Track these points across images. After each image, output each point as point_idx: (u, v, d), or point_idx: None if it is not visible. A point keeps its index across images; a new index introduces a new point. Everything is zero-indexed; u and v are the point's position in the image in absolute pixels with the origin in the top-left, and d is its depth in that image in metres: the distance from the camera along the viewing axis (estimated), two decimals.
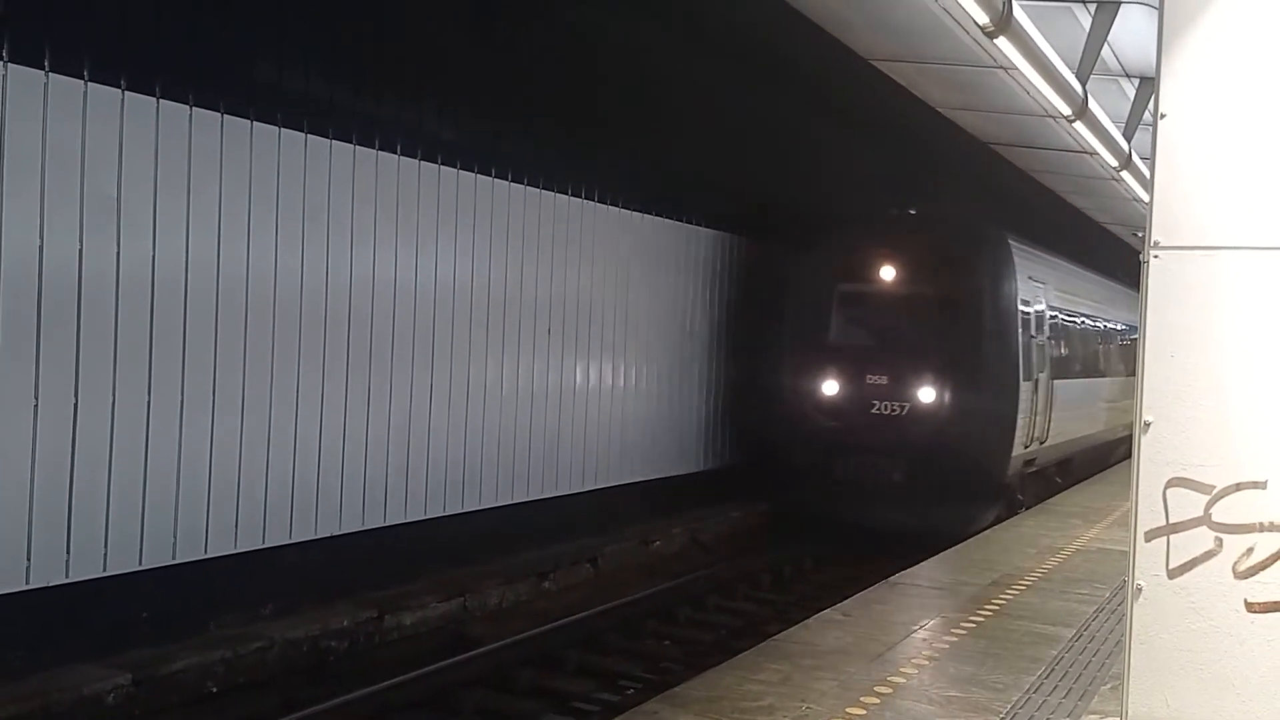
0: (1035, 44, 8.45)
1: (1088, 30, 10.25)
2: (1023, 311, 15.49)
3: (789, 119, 16.69)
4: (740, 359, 16.89)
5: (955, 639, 8.69)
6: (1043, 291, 16.75)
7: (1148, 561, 3.57)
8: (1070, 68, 10.02)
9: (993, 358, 15.10)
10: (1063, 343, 18.28)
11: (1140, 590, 3.57)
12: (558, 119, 13.14)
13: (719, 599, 12.75)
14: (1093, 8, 9.96)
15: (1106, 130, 11.70)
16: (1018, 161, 16.18)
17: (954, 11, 7.66)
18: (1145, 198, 14.80)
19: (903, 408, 14.91)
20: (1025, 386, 15.34)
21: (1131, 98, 12.83)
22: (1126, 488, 16.29)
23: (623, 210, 14.43)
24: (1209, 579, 3.50)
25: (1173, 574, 3.53)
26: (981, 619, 9.37)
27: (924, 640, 8.59)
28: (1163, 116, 3.76)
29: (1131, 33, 10.59)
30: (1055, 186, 18.41)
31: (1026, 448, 15.92)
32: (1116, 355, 23.43)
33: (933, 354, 14.98)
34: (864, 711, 6.92)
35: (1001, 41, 7.94)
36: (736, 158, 16.03)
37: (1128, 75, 12.33)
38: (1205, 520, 3.51)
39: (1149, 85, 12.40)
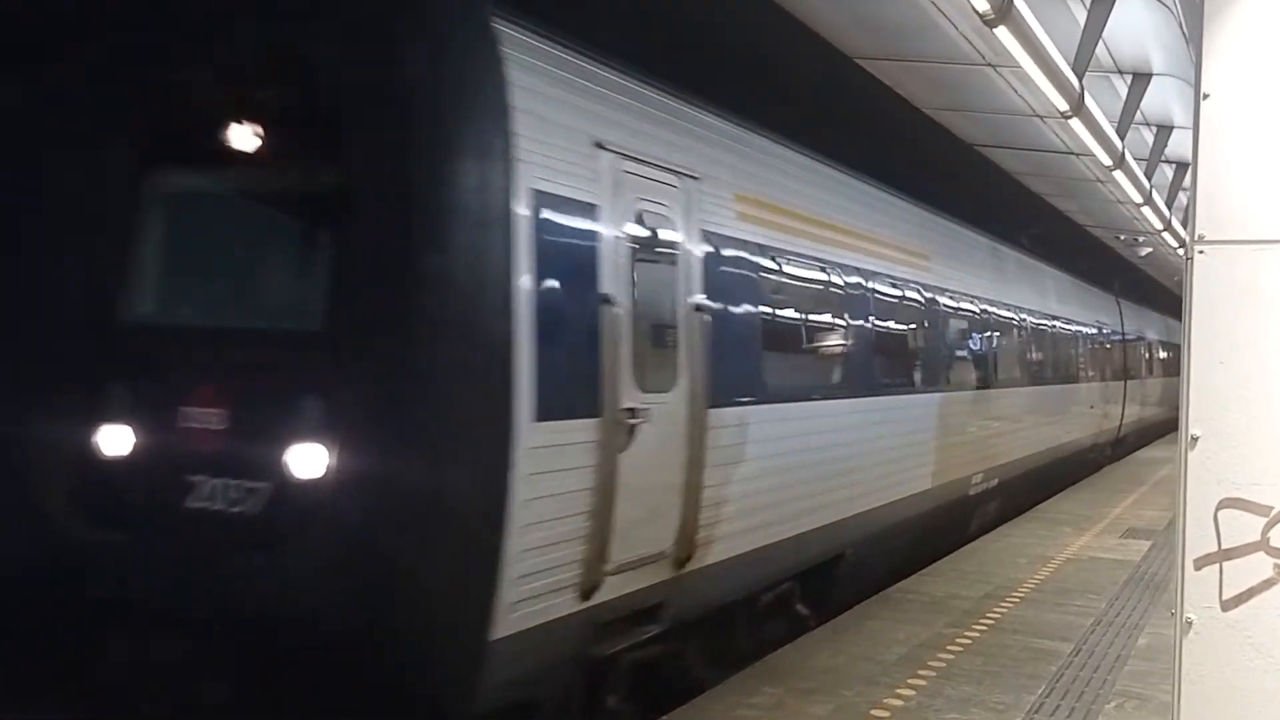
0: (1035, 35, 8.15)
1: (1083, 23, 9.97)
2: (558, 231, 6.23)
3: None
4: None
5: (951, 656, 8.41)
6: (682, 197, 7.31)
7: (1198, 592, 3.20)
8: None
9: (435, 364, 5.76)
10: (775, 317, 8.69)
11: (1190, 624, 3.20)
12: None
13: None
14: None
15: (1101, 128, 11.41)
16: (1003, 164, 15.84)
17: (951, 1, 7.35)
18: (1136, 199, 14.43)
19: (253, 492, 5.77)
20: (544, 435, 5.94)
21: (1124, 96, 12.55)
22: (1113, 494, 16.03)
23: None
24: (1268, 611, 3.14)
25: (1226, 606, 3.17)
26: (977, 634, 9.11)
27: (919, 659, 8.31)
28: (1205, 98, 3.41)
29: (1125, 26, 10.31)
30: (1040, 189, 18.11)
31: (588, 596, 6.35)
32: (949, 346, 13.18)
33: (315, 354, 5.91)
34: None
35: (1001, 32, 7.63)
36: None
37: (1120, 71, 12.05)
38: (1262, 545, 3.15)
39: (1142, 81, 12.14)
